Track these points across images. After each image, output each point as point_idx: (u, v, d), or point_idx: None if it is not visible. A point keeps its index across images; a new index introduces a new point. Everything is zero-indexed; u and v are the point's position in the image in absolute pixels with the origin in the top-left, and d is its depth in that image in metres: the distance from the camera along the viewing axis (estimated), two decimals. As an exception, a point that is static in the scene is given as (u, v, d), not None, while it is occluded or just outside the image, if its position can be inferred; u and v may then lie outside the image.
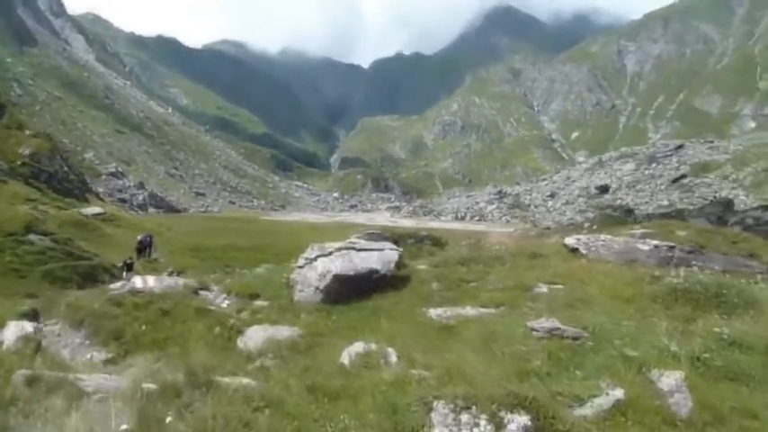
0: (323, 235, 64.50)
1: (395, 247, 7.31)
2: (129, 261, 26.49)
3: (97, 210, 54.19)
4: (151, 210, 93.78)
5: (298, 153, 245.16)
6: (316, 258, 6.56)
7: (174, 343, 6.07)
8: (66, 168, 73.80)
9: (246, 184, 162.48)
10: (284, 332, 6.13)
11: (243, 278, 7.89)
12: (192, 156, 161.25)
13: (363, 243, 7.40)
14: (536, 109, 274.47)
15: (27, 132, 70.68)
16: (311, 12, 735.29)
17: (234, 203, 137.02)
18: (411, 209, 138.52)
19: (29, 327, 6.42)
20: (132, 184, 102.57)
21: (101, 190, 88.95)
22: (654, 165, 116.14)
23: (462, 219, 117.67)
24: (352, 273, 6.05)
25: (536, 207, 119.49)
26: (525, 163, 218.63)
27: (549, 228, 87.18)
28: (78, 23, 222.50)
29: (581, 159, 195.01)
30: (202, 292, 7.17)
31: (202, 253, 39.82)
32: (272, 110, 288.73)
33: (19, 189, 55.57)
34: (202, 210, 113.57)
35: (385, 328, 5.91)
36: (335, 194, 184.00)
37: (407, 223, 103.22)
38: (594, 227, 63.46)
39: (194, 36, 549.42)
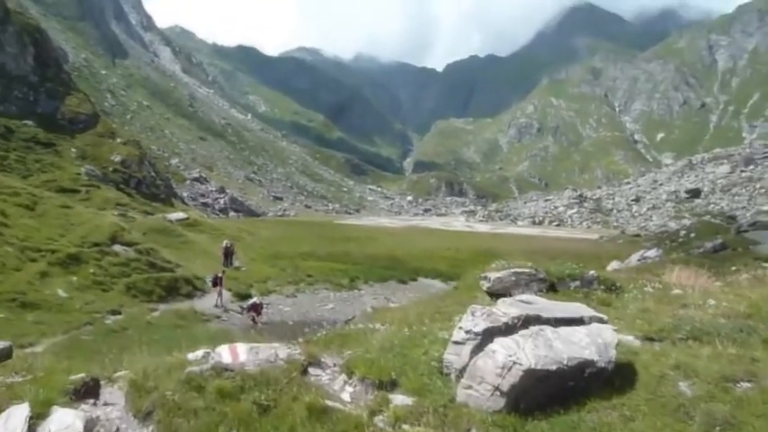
0: (401, 242, 62.74)
1: (597, 314, 4.84)
2: (219, 275, 25.47)
3: (181, 215, 54.84)
4: (231, 213, 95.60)
5: (371, 157, 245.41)
6: (487, 336, 4.21)
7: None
8: (153, 174, 76.23)
9: (322, 189, 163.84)
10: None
11: (367, 349, 5.58)
12: (270, 161, 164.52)
13: (544, 304, 4.98)
14: (617, 109, 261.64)
15: (118, 140, 73.53)
16: (385, 17, 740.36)
17: (309, 207, 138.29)
18: (486, 213, 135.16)
19: (78, 421, 4.41)
20: (214, 188, 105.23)
21: (185, 194, 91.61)
22: (751, 167, 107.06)
23: (540, 223, 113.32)
24: (554, 367, 3.68)
25: (619, 212, 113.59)
26: (605, 166, 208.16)
27: (638, 235, 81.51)
28: (165, 36, 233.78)
29: (668, 161, 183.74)
30: (313, 371, 5.01)
31: (282, 261, 38.87)
32: (346, 115, 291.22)
33: (111, 194, 57.57)
34: (280, 213, 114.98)
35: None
36: (409, 198, 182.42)
37: (483, 228, 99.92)
38: (693, 234, 57.96)
39: (272, 44, 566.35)
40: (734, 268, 11.83)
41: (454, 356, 4.65)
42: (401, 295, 32.04)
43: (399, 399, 4.53)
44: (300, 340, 7.33)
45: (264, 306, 24.90)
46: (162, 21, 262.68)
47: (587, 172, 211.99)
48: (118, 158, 68.26)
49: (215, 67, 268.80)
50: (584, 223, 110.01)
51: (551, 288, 7.54)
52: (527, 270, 7.58)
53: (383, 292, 32.38)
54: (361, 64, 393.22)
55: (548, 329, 4.31)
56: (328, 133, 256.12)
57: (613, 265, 28.97)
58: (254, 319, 23.09)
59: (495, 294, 7.63)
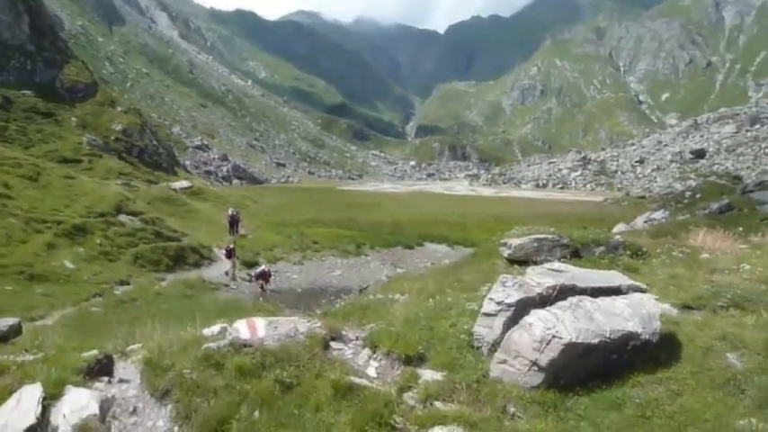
0: (406, 207, 62.48)
1: (635, 283, 4.58)
2: (231, 247, 25.35)
3: (185, 183, 54.63)
4: (235, 181, 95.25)
5: (374, 122, 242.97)
6: (520, 307, 3.97)
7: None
8: (155, 142, 75.64)
9: (324, 155, 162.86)
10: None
11: (391, 321, 5.35)
12: (272, 127, 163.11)
13: (576, 272, 4.72)
14: (622, 70, 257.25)
15: (119, 109, 72.63)
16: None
17: (312, 174, 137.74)
18: (490, 177, 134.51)
19: (93, 401, 4.23)
20: (216, 156, 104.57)
21: (187, 162, 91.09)
22: (757, 126, 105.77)
23: (544, 187, 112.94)
24: (596, 341, 3.43)
25: (623, 174, 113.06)
26: (610, 127, 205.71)
27: (643, 197, 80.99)
28: (162, 2, 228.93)
29: (672, 122, 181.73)
30: (335, 346, 4.80)
31: (288, 229, 38.78)
32: (347, 79, 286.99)
33: (113, 164, 57.17)
34: (283, 180, 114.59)
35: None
36: (412, 163, 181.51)
37: (487, 192, 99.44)
38: (698, 195, 57.52)
39: (271, 8, 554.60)
40: (753, 234, 11.52)
41: (485, 329, 4.42)
42: (408, 261, 31.98)
43: (428, 374, 4.31)
44: (318, 311, 7.11)
45: (272, 274, 24.87)
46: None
47: (591, 134, 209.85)
48: (119, 127, 67.55)
49: (213, 32, 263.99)
50: (588, 186, 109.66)
51: (575, 254, 7.26)
52: (549, 236, 7.29)
53: (390, 258, 32.29)
54: (361, 27, 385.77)
55: (586, 300, 4.06)
56: (329, 99, 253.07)
57: (619, 227, 28.60)
58: (262, 287, 23.06)
59: (516, 261, 7.38)
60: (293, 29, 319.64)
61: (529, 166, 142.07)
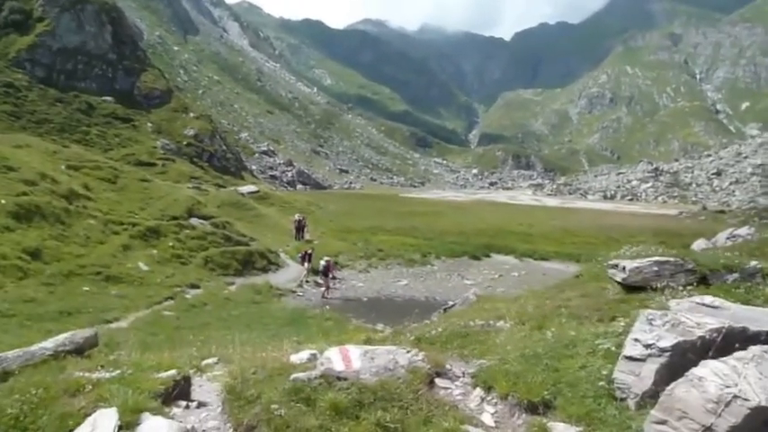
0: (469, 216, 61.28)
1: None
2: (309, 252, 25.38)
3: (252, 188, 55.71)
4: (299, 186, 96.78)
5: (437, 129, 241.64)
6: (677, 353, 3.17)
7: None
8: (224, 147, 77.99)
9: (387, 161, 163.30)
10: None
11: (504, 357, 4.62)
12: (336, 134, 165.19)
13: (736, 310, 3.85)
14: (698, 77, 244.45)
15: (191, 115, 75.43)
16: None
17: (375, 180, 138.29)
18: (555, 187, 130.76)
19: None
20: (282, 161, 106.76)
21: (254, 167, 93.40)
22: None
23: (612, 198, 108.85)
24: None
25: (698, 186, 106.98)
26: (683, 137, 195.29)
27: (722, 211, 76.03)
28: (234, 12, 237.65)
29: (753, 133, 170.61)
30: (441, 383, 4.14)
31: (351, 235, 38.62)
32: (411, 87, 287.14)
33: (185, 168, 59.29)
34: (346, 186, 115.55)
35: None
36: (475, 171, 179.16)
37: (552, 202, 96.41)
38: (787, 212, 53.17)
39: (338, 17, 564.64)
40: None
41: (631, 377, 3.64)
42: (475, 272, 30.93)
43: (561, 428, 3.57)
44: (408, 335, 6.45)
45: (336, 270, 24.96)
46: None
47: (663, 144, 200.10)
48: (191, 132, 70.10)
49: (281, 41, 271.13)
50: (660, 198, 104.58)
51: (702, 281, 6.31)
52: (671, 259, 6.37)
53: (456, 269, 31.34)
54: (426, 35, 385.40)
55: (774, 352, 3.22)
56: (393, 106, 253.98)
57: (699, 243, 26.49)
58: (326, 284, 23.13)
59: (630, 287, 6.49)
60: (359, 37, 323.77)
61: (596, 176, 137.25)
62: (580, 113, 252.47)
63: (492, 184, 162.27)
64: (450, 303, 12.65)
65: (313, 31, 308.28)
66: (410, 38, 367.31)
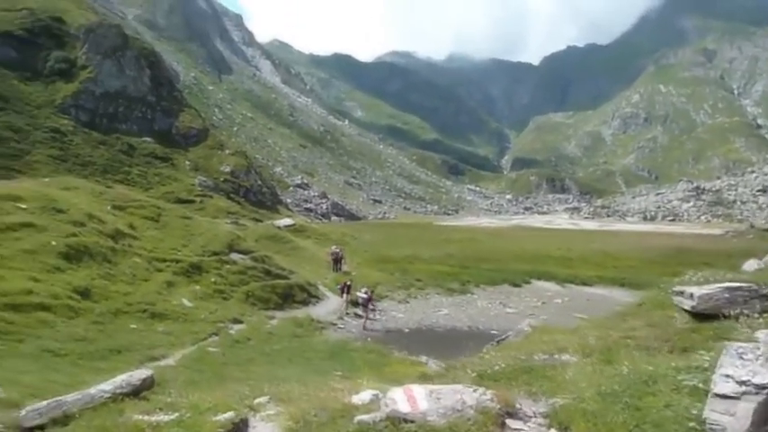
0: (506, 242, 60.39)
1: None
2: (348, 283, 25.42)
3: (288, 221, 56.29)
4: (333, 218, 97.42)
5: (468, 156, 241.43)
6: None
7: None
8: (259, 182, 79.43)
9: (420, 190, 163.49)
10: None
11: (580, 395, 4.38)
12: (368, 165, 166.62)
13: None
14: (736, 92, 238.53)
15: (227, 152, 77.29)
16: (476, 15, 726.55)
17: (408, 209, 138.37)
18: (592, 210, 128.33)
19: None
20: (316, 194, 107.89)
21: (289, 201, 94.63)
22: None
23: (652, 219, 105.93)
24: None
25: (743, 204, 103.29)
26: (724, 154, 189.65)
27: (770, 229, 73.00)
28: (266, 50, 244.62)
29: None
30: (512, 424, 3.93)
31: (388, 265, 38.40)
32: (441, 115, 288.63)
33: (222, 203, 60.54)
34: (380, 216, 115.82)
35: None
36: (509, 197, 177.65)
37: (590, 226, 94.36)
38: None
39: (366, 50, 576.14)
40: None
41: (726, 417, 3.37)
42: (517, 300, 30.34)
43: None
44: (472, 374, 6.23)
45: (375, 301, 24.91)
46: (262, 36, 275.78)
47: (702, 162, 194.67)
48: (227, 169, 71.71)
49: (312, 76, 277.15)
50: (703, 217, 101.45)
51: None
52: (744, 284, 6.04)
53: (497, 297, 30.81)
54: (454, 63, 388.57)
55: None
56: (424, 135, 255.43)
57: (750, 264, 25.30)
58: (366, 316, 23.10)
59: (700, 315, 6.16)
60: (387, 68, 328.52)
61: (634, 197, 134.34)
62: (614, 134, 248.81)
63: (527, 208, 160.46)
64: (503, 335, 12.30)
65: (342, 65, 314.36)
66: (437, 66, 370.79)
